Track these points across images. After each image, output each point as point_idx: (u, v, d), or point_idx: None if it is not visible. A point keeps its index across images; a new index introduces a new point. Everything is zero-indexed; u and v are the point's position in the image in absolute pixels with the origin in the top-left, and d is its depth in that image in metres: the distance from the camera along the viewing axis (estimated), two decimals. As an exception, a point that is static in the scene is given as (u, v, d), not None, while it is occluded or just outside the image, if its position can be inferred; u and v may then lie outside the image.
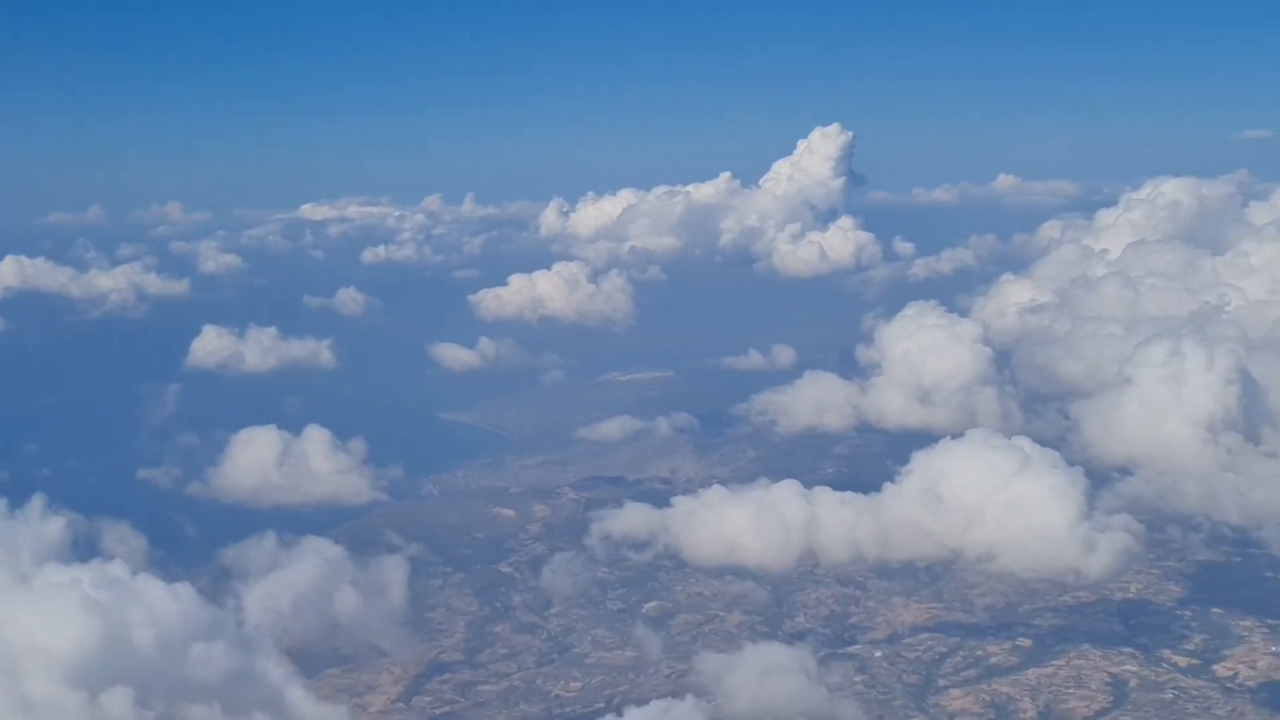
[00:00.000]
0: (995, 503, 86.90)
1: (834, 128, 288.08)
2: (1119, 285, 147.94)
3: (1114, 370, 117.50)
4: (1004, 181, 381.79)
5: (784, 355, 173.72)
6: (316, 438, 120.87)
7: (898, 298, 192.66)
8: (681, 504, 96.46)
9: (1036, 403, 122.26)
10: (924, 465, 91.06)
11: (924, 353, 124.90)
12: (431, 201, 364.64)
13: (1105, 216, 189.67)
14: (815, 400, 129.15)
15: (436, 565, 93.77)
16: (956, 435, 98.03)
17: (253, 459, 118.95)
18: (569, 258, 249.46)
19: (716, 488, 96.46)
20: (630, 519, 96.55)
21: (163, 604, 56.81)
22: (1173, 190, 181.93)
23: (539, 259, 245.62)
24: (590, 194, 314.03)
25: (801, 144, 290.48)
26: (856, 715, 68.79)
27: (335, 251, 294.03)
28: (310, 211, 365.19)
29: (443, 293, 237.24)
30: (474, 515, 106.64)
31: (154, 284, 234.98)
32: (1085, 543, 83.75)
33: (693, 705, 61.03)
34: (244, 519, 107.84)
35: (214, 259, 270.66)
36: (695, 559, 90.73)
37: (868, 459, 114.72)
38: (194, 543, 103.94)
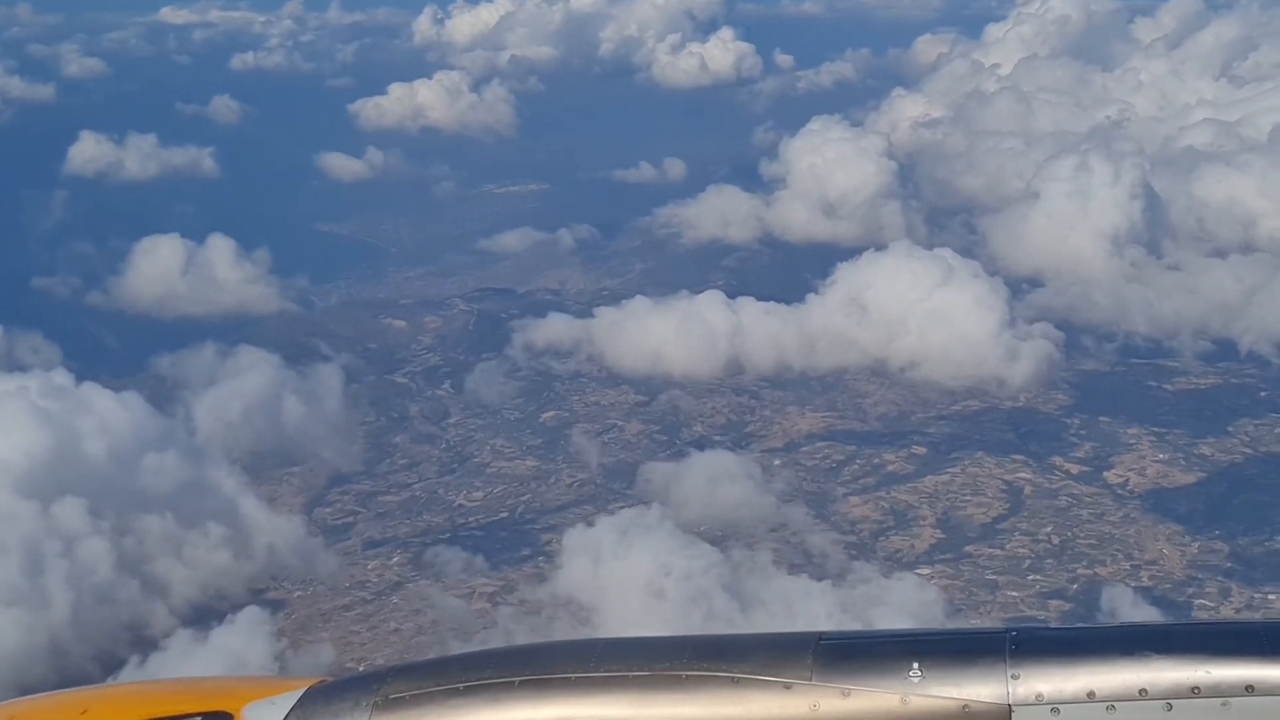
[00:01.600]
0: (919, 312, 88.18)
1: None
2: (1013, 100, 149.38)
3: (1015, 184, 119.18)
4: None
5: (675, 168, 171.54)
6: (219, 247, 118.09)
7: (785, 111, 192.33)
8: (603, 314, 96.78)
9: (940, 216, 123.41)
10: (848, 276, 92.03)
11: (829, 166, 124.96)
12: (293, 7, 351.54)
13: (994, 31, 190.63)
14: (719, 214, 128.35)
15: (330, 376, 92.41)
16: (863, 248, 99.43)
17: (156, 268, 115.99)
18: (445, 67, 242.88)
19: (639, 299, 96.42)
20: (550, 330, 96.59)
21: (111, 414, 55.74)
22: (1061, 5, 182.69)
23: (414, 68, 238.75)
24: (460, 0, 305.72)
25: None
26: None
27: (202, 57, 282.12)
28: (170, 15, 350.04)
29: (319, 101, 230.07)
30: (363, 326, 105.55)
31: (17, 87, 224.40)
32: (1009, 351, 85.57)
33: (658, 513, 61.64)
34: (153, 329, 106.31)
35: (77, 63, 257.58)
36: (615, 369, 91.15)
37: (759, 271, 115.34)
38: (110, 353, 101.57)
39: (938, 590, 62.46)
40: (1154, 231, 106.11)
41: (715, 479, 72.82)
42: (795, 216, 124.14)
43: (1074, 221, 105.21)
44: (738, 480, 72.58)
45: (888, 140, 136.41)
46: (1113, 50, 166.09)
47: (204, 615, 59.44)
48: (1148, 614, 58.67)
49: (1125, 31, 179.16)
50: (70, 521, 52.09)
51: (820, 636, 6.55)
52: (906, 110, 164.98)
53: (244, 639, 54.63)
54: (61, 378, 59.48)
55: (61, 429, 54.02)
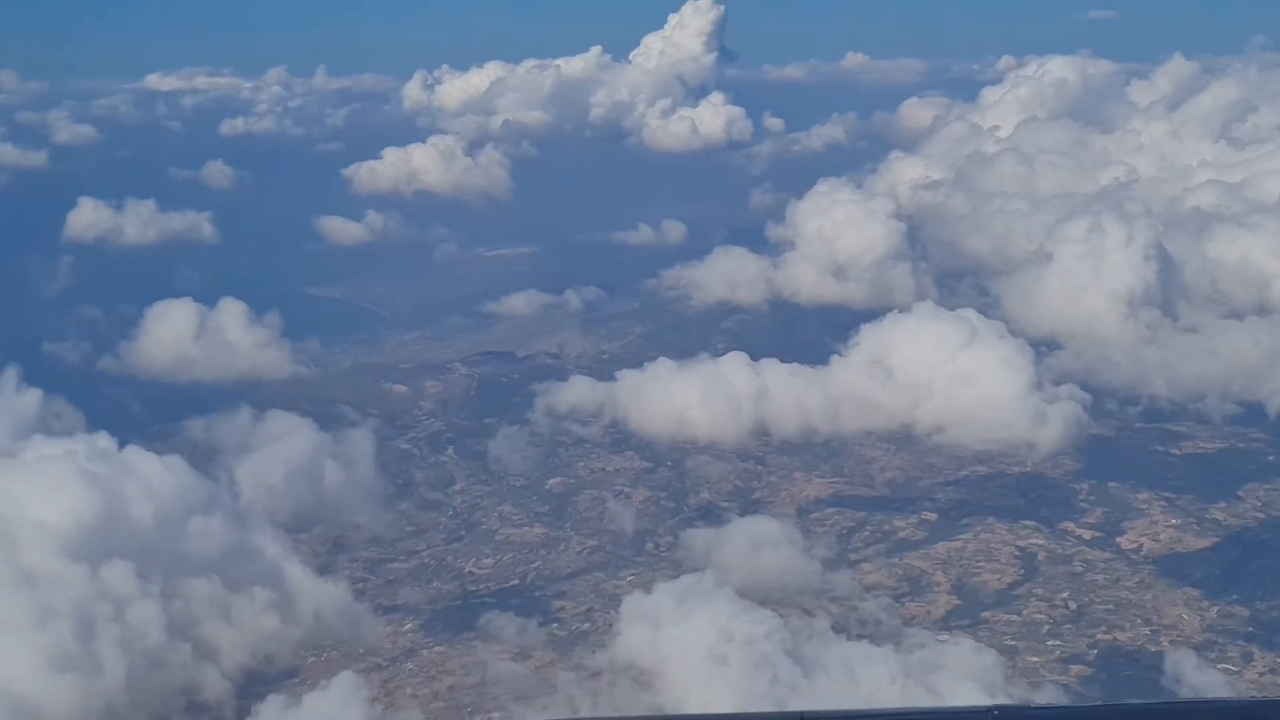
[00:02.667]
0: (945, 375, 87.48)
1: (705, 1, 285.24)
2: (1014, 162, 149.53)
3: (1023, 246, 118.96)
4: (853, 59, 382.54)
5: (673, 231, 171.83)
6: (221, 312, 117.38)
7: (780, 174, 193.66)
8: (609, 379, 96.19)
9: (948, 279, 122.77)
10: (871, 338, 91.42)
11: (837, 228, 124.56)
12: (277, 73, 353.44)
13: (990, 94, 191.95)
14: (725, 276, 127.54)
15: (334, 442, 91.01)
16: (874, 311, 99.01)
17: (168, 333, 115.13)
18: (435, 131, 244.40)
19: (662, 360, 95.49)
20: (555, 395, 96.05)
21: (157, 477, 55.43)
22: (1058, 68, 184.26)
23: (405, 133, 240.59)
24: (446, 66, 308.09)
25: (673, 18, 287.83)
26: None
27: (192, 124, 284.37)
28: (157, 82, 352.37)
29: (311, 166, 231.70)
30: (365, 391, 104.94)
31: (10, 154, 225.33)
32: (1037, 414, 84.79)
33: (713, 580, 60.83)
34: (169, 393, 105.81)
35: (67, 130, 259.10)
36: (621, 435, 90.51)
37: (768, 334, 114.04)
38: (131, 418, 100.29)
39: (995, 654, 61.55)
40: (1168, 294, 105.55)
41: (733, 546, 72.06)
42: (803, 278, 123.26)
43: (1089, 283, 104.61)
44: (757, 548, 71.73)
45: (895, 202, 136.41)
46: (1111, 113, 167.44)
47: (255, 680, 58.77)
48: (1209, 679, 58.00)
49: (1122, 94, 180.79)
50: (119, 584, 51.63)
51: (802, 716, 6.47)
52: (904, 173, 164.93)
53: (338, 705, 53.64)
54: (105, 441, 59.10)
55: (110, 492, 53.66)
